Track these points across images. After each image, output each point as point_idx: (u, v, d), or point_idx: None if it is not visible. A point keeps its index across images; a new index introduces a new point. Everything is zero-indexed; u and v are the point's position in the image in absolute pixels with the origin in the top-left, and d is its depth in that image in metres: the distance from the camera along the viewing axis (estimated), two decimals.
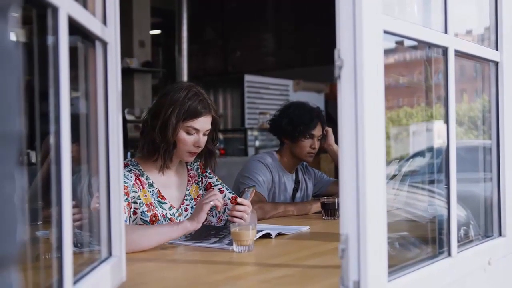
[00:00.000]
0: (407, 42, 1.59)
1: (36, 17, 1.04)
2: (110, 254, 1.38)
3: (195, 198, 2.37)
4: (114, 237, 1.39)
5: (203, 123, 2.22)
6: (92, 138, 1.37)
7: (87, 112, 1.36)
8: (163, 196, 2.25)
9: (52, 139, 1.00)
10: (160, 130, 2.17)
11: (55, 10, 0.99)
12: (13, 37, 0.59)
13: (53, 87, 1.00)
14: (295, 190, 3.16)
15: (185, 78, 8.56)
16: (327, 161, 6.68)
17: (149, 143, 2.21)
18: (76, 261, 1.10)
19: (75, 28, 1.10)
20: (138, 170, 2.23)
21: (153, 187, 2.23)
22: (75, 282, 1.08)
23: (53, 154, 1.00)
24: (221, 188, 2.40)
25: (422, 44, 1.63)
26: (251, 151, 7.40)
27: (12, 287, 0.58)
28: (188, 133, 2.20)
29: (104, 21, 1.35)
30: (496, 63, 1.83)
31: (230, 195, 2.38)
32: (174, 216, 2.26)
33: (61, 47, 1.00)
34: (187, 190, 2.36)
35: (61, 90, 1.00)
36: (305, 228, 2.38)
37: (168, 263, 1.78)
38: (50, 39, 1.01)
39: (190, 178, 2.39)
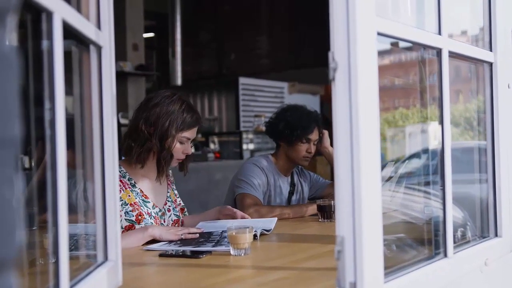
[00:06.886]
0: (402, 43, 1.59)
1: (30, 21, 1.03)
2: (106, 258, 1.37)
3: (174, 201, 2.49)
4: (110, 241, 1.38)
5: (195, 133, 2.37)
6: (87, 143, 1.36)
7: (81, 116, 1.36)
8: (146, 195, 2.34)
9: (47, 144, 1.00)
10: (159, 140, 2.26)
11: (49, 14, 0.99)
12: (11, 42, 0.59)
13: (48, 91, 1.00)
14: (291, 193, 3.15)
15: (179, 81, 8.55)
16: (323, 163, 6.68)
17: (145, 152, 2.28)
18: (72, 266, 1.09)
19: (69, 32, 1.10)
20: (120, 172, 2.28)
21: (136, 187, 2.32)
22: (71, 287, 1.08)
23: (49, 159, 1.00)
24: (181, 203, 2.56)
25: (417, 46, 1.63)
26: (246, 154, 7.39)
27: None
28: (181, 142, 2.32)
29: (98, 25, 1.35)
30: (490, 64, 1.84)
31: (174, 218, 2.46)
32: (157, 215, 2.35)
33: (56, 52, 1.00)
34: (168, 192, 2.47)
35: (56, 95, 1.00)
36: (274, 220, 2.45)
37: (164, 267, 1.78)
38: (44, 43, 1.01)
39: (169, 182, 2.51)
